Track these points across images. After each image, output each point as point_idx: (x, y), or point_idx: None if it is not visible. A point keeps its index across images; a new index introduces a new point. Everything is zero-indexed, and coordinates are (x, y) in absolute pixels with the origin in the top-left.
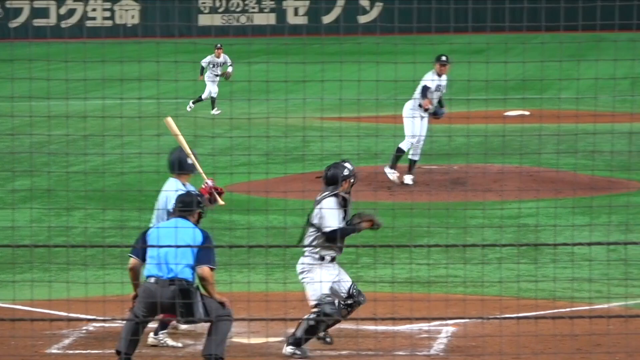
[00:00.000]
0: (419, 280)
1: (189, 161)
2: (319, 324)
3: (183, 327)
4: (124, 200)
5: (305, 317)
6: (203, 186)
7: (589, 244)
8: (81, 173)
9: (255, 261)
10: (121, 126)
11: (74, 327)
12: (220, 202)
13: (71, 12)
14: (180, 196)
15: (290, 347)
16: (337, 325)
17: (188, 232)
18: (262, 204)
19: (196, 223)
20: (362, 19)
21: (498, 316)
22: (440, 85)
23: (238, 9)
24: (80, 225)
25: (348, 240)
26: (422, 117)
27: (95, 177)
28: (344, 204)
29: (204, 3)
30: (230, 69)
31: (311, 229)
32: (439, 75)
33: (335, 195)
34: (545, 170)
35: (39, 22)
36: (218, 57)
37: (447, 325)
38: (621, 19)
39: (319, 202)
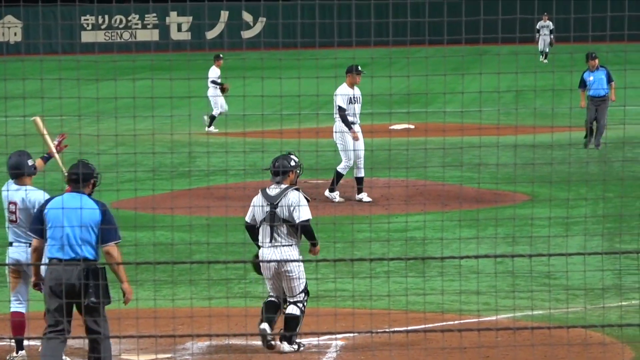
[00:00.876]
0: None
1: (30, 163)
2: (302, 315)
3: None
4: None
5: (288, 311)
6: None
7: (476, 257)
8: None
9: (143, 278)
10: (6, 144)
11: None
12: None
13: None
14: (71, 168)
15: (288, 345)
16: (228, 341)
17: (86, 208)
18: (148, 220)
19: (90, 193)
20: (246, 34)
21: (387, 329)
22: (355, 97)
23: (121, 25)
24: None
25: (232, 257)
26: (344, 132)
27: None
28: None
29: (86, 20)
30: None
31: (281, 226)
32: (352, 85)
33: (297, 188)
34: (431, 184)
35: None
36: (219, 67)
37: (336, 339)
38: (504, 32)
39: (279, 197)
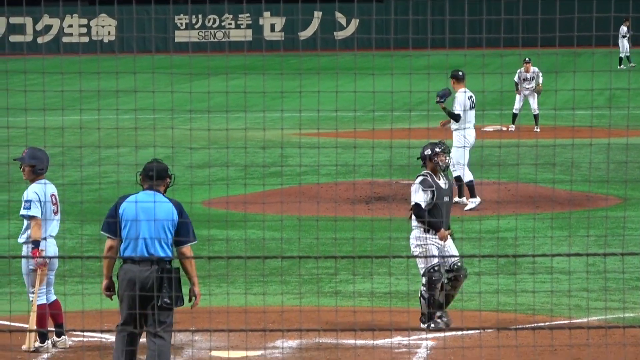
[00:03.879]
0: (398, 294)
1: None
2: (433, 292)
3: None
4: (102, 214)
5: (419, 293)
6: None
7: (568, 255)
8: (59, 186)
9: (235, 274)
10: (99, 140)
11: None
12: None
13: (47, 28)
14: (147, 165)
15: (428, 324)
16: (316, 339)
17: (162, 207)
18: (240, 218)
19: (164, 193)
20: (340, 34)
21: (478, 329)
22: (471, 99)
23: (214, 25)
24: (58, 239)
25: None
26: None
27: (73, 192)
28: (431, 183)
29: (180, 19)
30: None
31: None
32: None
33: (425, 174)
34: (523, 185)
35: (15, 37)
36: (527, 71)
37: (426, 339)
38: (598, 32)
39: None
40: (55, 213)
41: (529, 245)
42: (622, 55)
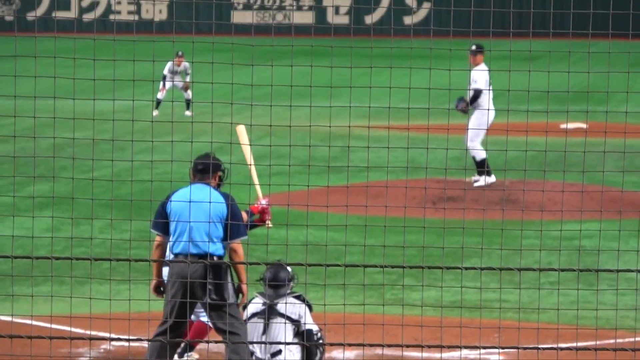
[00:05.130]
0: (466, 304)
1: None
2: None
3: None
4: (149, 209)
5: None
6: (256, 204)
7: None
8: (103, 180)
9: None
10: (151, 129)
11: (93, 346)
12: (269, 224)
13: (94, 5)
14: (197, 158)
15: None
16: (379, 351)
17: (211, 200)
18: (300, 217)
19: (217, 187)
20: (409, 20)
21: (554, 346)
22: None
23: (274, 6)
24: (101, 235)
25: (389, 259)
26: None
27: (118, 183)
28: None
29: None
30: (188, 79)
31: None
32: (476, 64)
33: None
34: (607, 189)
35: (60, 15)
36: (178, 65)
37: (498, 354)
38: None
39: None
40: None
41: (610, 255)
42: None
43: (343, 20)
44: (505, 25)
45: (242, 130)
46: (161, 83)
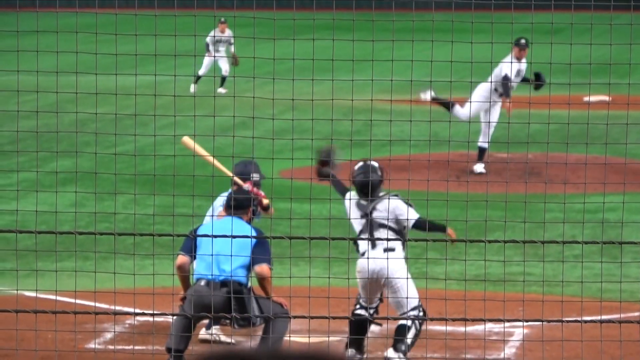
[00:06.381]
0: (490, 277)
1: (256, 177)
2: (422, 327)
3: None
4: (172, 184)
5: (402, 322)
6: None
7: None
8: (126, 155)
9: (315, 254)
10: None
11: (117, 321)
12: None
13: None
14: (233, 193)
15: (401, 356)
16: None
17: (241, 232)
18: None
19: (249, 221)
20: None
21: (578, 319)
22: (520, 70)
23: None
24: (125, 211)
25: (413, 234)
26: (494, 103)
27: (141, 159)
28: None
29: None
30: (232, 49)
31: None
32: (519, 59)
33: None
34: (631, 162)
35: None
36: (222, 32)
37: (522, 327)
38: None
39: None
40: None
41: (634, 227)
42: None
43: None
44: None
45: (187, 142)
46: (206, 51)
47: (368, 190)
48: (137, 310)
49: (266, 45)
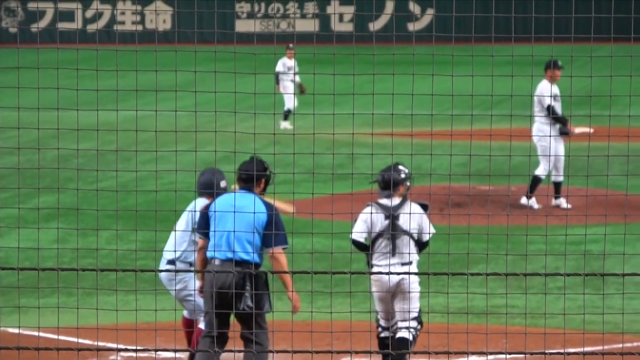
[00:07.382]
0: (473, 310)
1: (223, 184)
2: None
3: None
4: (154, 219)
5: (403, 334)
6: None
7: None
8: (109, 190)
9: (298, 287)
10: (155, 139)
11: (100, 357)
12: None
13: (97, 15)
14: (242, 164)
15: None
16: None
17: (251, 208)
18: (305, 225)
19: (262, 192)
20: (412, 27)
21: (561, 351)
22: (556, 95)
23: (278, 14)
24: (108, 246)
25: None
26: (555, 135)
27: (124, 194)
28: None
29: (241, 8)
30: (297, 78)
31: (408, 240)
32: (553, 80)
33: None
34: (612, 193)
35: (64, 26)
36: (290, 58)
37: (505, 359)
38: None
39: (397, 208)
40: None
41: (617, 259)
42: None
43: (347, 27)
44: (509, 30)
45: (280, 207)
46: (275, 83)
47: (389, 186)
48: (120, 346)
49: (248, 79)
